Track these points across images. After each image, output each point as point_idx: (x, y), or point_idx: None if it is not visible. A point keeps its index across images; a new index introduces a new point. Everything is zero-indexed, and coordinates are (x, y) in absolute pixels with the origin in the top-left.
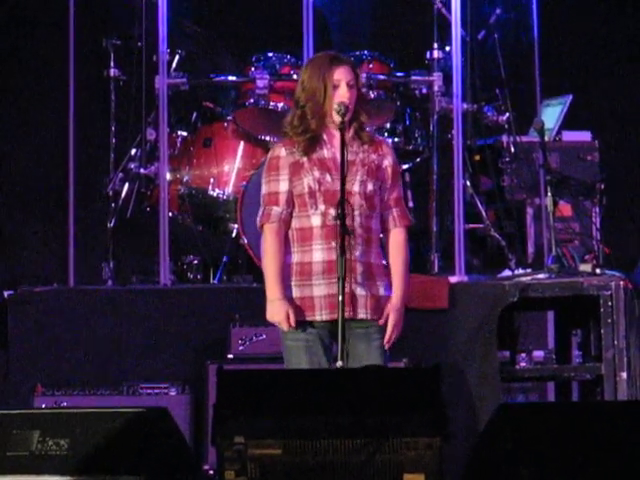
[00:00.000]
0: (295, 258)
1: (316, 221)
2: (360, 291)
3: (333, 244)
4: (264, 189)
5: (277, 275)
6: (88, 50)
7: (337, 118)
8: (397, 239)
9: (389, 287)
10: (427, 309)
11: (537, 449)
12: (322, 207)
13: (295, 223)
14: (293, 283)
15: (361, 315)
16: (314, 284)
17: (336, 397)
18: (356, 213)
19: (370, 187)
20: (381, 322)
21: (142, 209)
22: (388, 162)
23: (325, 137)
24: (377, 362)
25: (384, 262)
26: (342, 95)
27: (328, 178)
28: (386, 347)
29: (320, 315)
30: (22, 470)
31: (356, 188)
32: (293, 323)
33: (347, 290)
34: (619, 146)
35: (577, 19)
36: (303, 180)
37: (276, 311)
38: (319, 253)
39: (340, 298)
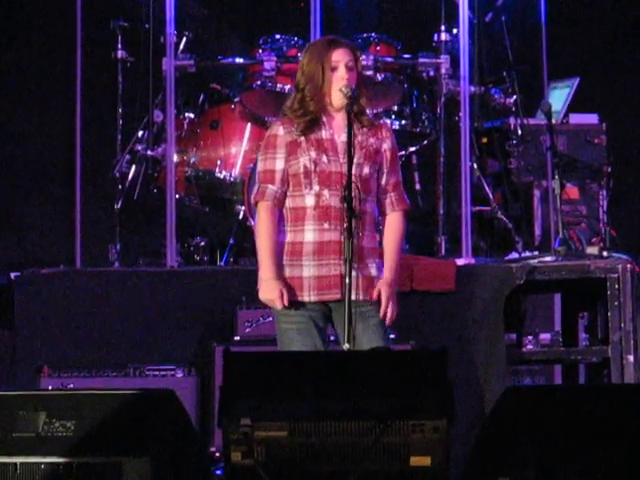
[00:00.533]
0: (287, 237)
1: (310, 201)
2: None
3: (325, 225)
4: (260, 166)
5: (270, 254)
6: (96, 32)
7: (342, 100)
8: (393, 222)
9: (381, 268)
10: (434, 291)
11: (544, 432)
12: (317, 188)
13: (289, 202)
14: (284, 262)
15: (352, 297)
16: (304, 264)
17: (343, 379)
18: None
19: (366, 170)
20: (374, 297)
21: (149, 191)
22: (387, 146)
23: (324, 119)
24: (376, 340)
25: (377, 245)
26: (341, 77)
27: (324, 159)
28: (386, 323)
29: (308, 296)
30: (28, 451)
31: (352, 171)
32: (286, 302)
33: (337, 272)
34: (626, 129)
35: (584, 1)
36: (299, 159)
37: (269, 290)
38: (311, 234)
39: (347, 280)
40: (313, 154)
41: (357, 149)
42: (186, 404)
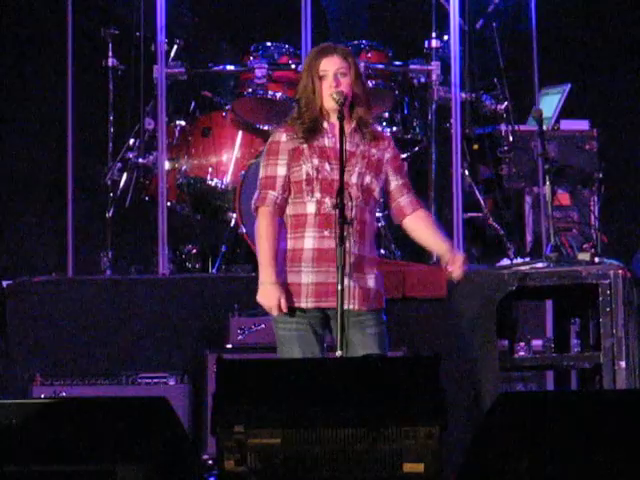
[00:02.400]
0: (289, 244)
1: (311, 208)
2: (347, 282)
3: (326, 233)
4: (261, 172)
5: (270, 258)
6: (86, 40)
7: (335, 106)
8: (423, 217)
9: (380, 281)
10: (426, 298)
11: (536, 438)
12: (318, 195)
13: (290, 209)
14: (286, 269)
15: (350, 306)
16: (302, 271)
17: (336, 386)
18: (352, 204)
19: (368, 180)
20: (449, 267)
21: (140, 199)
22: (390, 155)
23: (327, 126)
24: (373, 349)
25: (377, 256)
26: (329, 86)
27: (327, 167)
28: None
29: (306, 302)
30: (21, 460)
31: (354, 179)
32: (285, 309)
33: (334, 280)
34: (617, 135)
35: (575, 8)
36: (302, 167)
37: (267, 295)
38: (310, 240)
39: (339, 287)
40: (315, 161)
41: (359, 158)
42: (179, 412)
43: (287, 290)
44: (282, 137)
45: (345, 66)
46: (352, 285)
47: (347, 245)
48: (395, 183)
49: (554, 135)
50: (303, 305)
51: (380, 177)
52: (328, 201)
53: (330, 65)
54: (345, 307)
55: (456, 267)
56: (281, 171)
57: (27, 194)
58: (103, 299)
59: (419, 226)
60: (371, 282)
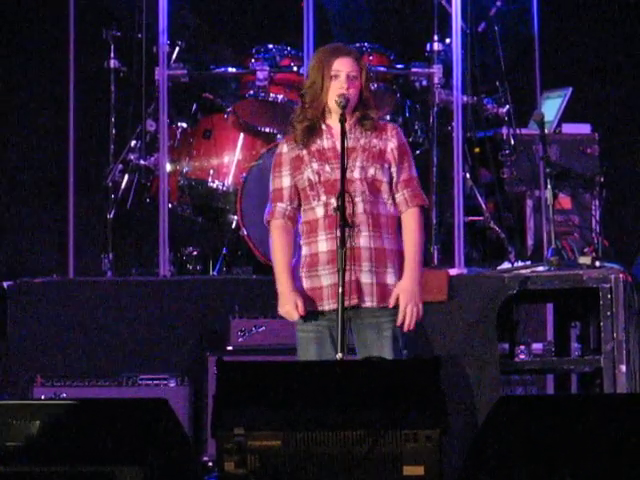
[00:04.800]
0: (304, 250)
1: (320, 212)
2: (365, 279)
3: (337, 233)
4: (270, 186)
5: (285, 269)
6: (88, 41)
7: (337, 110)
8: (407, 220)
9: (400, 273)
10: (427, 302)
11: (536, 441)
12: (324, 198)
13: (303, 217)
14: (304, 275)
15: (367, 303)
16: (320, 274)
17: (336, 389)
18: (358, 200)
19: (371, 172)
20: (390, 304)
21: (142, 200)
22: (393, 145)
23: (325, 127)
24: (388, 352)
25: (398, 247)
26: (340, 86)
27: (327, 168)
28: (405, 329)
29: (328, 304)
30: (21, 461)
31: (356, 174)
32: (302, 312)
33: (353, 278)
34: (619, 139)
35: (577, 11)
36: (304, 174)
37: (285, 302)
38: (323, 243)
39: (340, 290)
40: (315, 165)
41: (360, 152)
42: (179, 413)
43: (306, 295)
44: (284, 148)
45: (357, 69)
46: (370, 282)
47: (349, 245)
48: (396, 178)
49: (556, 139)
50: (326, 308)
51: (385, 167)
52: (334, 201)
53: (343, 66)
54: (364, 305)
55: (400, 309)
56: (286, 182)
57: (28, 195)
58: (104, 300)
59: (403, 234)
60: (390, 277)
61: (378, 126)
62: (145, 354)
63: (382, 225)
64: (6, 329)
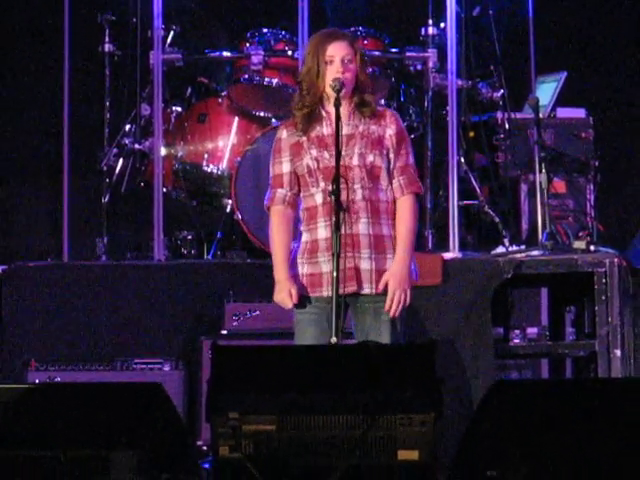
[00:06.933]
0: (305, 237)
1: (319, 199)
2: (365, 265)
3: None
4: (270, 172)
5: (283, 256)
6: (83, 25)
7: (332, 94)
8: (401, 207)
9: None
10: (421, 286)
11: (531, 426)
12: (322, 184)
13: (303, 203)
14: (305, 261)
15: (366, 290)
16: (320, 261)
17: (330, 373)
18: (357, 186)
19: (370, 159)
20: (379, 289)
21: (136, 184)
22: (392, 131)
23: (324, 113)
24: (386, 338)
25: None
26: (335, 71)
27: (326, 155)
28: (391, 315)
29: (327, 291)
30: (15, 444)
31: (355, 161)
32: (295, 300)
33: (351, 265)
34: (613, 123)
35: None
36: (303, 160)
37: (279, 290)
38: (322, 230)
39: (335, 275)
40: (314, 152)
41: (358, 139)
42: (173, 398)
43: (302, 282)
44: (283, 134)
45: (351, 53)
46: (369, 268)
47: (345, 231)
48: (393, 164)
49: (550, 123)
50: (325, 294)
51: (384, 153)
52: (331, 188)
53: (337, 51)
54: (362, 292)
55: (388, 294)
56: (286, 168)
57: (23, 179)
58: (98, 285)
59: (396, 220)
60: (389, 264)
61: (377, 112)
62: (139, 338)
63: (381, 212)
64: (0, 313)
